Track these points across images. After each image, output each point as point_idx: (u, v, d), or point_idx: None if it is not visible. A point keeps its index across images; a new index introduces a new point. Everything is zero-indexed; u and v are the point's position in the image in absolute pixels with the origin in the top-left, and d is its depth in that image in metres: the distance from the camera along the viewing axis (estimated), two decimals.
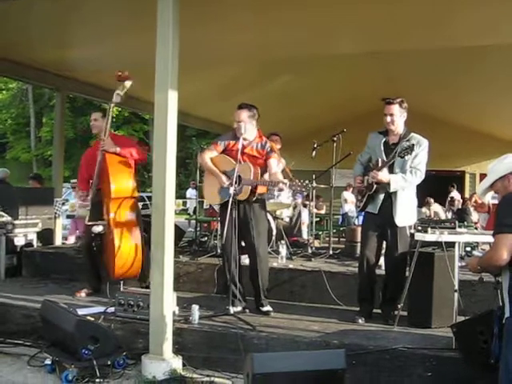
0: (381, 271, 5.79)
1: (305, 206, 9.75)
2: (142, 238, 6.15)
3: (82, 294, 6.42)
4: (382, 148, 5.56)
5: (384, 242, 5.61)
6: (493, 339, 3.64)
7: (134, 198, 6.20)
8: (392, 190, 5.37)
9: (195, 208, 10.89)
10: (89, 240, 6.43)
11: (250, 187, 5.70)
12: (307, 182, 5.52)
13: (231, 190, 5.52)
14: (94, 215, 6.31)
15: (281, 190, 5.77)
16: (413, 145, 5.24)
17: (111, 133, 6.45)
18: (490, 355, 3.72)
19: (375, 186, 5.47)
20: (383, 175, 5.37)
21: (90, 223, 6.24)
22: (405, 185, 5.41)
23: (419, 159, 5.41)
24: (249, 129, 5.82)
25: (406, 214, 5.48)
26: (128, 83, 6.12)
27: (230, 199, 5.49)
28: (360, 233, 5.88)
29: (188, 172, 31.46)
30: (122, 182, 6.12)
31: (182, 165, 31.96)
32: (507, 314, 3.40)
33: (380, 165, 5.41)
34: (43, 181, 13.39)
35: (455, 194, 16.10)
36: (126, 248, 6.06)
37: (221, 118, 12.70)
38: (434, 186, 15.39)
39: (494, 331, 3.65)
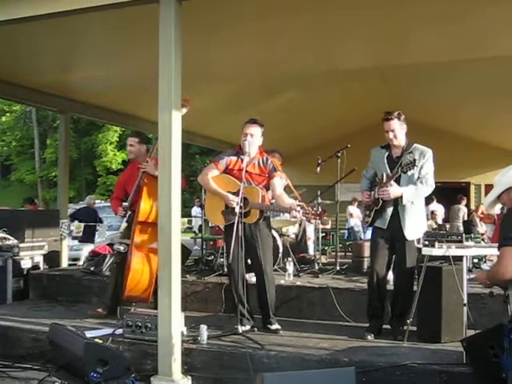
0: (389, 286, 5.76)
1: (309, 221, 9.73)
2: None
3: (99, 309, 6.40)
4: (386, 162, 5.56)
5: (393, 257, 5.59)
6: (504, 353, 3.61)
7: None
8: (405, 202, 5.36)
9: (200, 226, 10.87)
10: (114, 259, 6.46)
11: (258, 210, 5.68)
12: (320, 209, 5.48)
13: (237, 210, 5.48)
14: (126, 234, 6.36)
15: (294, 217, 5.70)
16: (414, 160, 5.22)
17: (156, 158, 6.26)
18: (501, 369, 3.69)
19: (381, 201, 5.46)
20: (394, 190, 5.34)
21: (115, 241, 6.28)
22: (417, 195, 5.40)
23: (426, 170, 5.42)
24: (254, 146, 5.80)
25: (415, 226, 5.47)
26: (183, 110, 5.87)
27: (236, 218, 5.45)
28: (370, 247, 5.85)
29: (192, 190, 31.44)
30: (150, 207, 6.08)
31: (186, 183, 32.00)
32: None
33: (385, 180, 5.40)
34: (36, 203, 13.51)
35: (435, 206, 15.85)
36: (139, 272, 6.03)
37: (225, 135, 12.73)
38: (440, 198, 15.48)
39: (504, 345, 3.62)
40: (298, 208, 5.52)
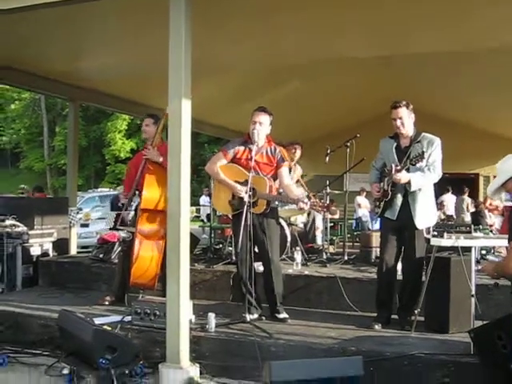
0: (397, 276, 5.75)
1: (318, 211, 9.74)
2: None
3: (106, 302, 6.42)
4: (395, 152, 5.56)
5: (402, 248, 5.58)
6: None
7: (163, 212, 5.79)
8: (413, 188, 5.35)
9: (209, 215, 10.88)
10: (121, 246, 6.49)
11: (265, 201, 5.68)
12: (328, 202, 5.48)
13: (246, 199, 5.49)
14: (133, 222, 6.39)
15: (301, 208, 5.69)
16: (423, 152, 5.23)
17: (162, 142, 6.35)
18: (509, 360, 3.69)
19: (390, 192, 5.46)
20: (403, 176, 5.34)
21: (120, 228, 6.32)
22: (424, 181, 5.40)
23: (433, 158, 5.41)
24: (263, 135, 5.78)
25: (425, 215, 5.47)
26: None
27: (245, 208, 5.45)
28: (379, 238, 5.86)
29: (201, 179, 31.48)
30: (154, 194, 6.08)
31: (195, 172, 32.05)
32: None
33: (394, 171, 5.39)
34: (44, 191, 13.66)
35: (447, 196, 15.96)
36: (144, 259, 6.06)
37: (233, 124, 12.70)
38: (450, 189, 15.52)
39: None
40: (306, 200, 5.52)
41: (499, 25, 6.22)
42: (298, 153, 8.39)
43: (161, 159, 6.07)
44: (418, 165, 5.30)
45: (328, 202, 5.89)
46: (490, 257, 7.47)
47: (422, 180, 5.37)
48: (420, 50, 7.53)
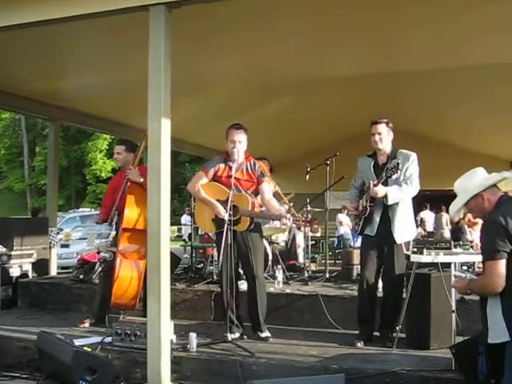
0: (378, 293, 5.76)
1: (299, 228, 9.75)
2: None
3: (86, 324, 6.33)
4: (373, 170, 5.61)
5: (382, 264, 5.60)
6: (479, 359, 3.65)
7: (144, 232, 5.66)
8: (390, 202, 5.39)
9: (190, 234, 10.86)
10: (101, 267, 6.44)
11: (248, 218, 5.68)
12: (310, 216, 5.49)
13: (226, 217, 5.48)
14: (114, 242, 6.35)
15: (284, 224, 5.70)
16: (398, 163, 5.28)
17: (142, 166, 6.36)
18: (490, 375, 3.70)
19: (369, 208, 5.50)
20: (380, 189, 5.37)
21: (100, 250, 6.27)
22: (402, 195, 5.43)
23: (410, 171, 5.47)
24: (242, 152, 5.79)
25: (404, 230, 5.50)
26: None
27: (225, 226, 5.44)
28: (359, 255, 5.88)
29: (182, 198, 31.40)
30: (135, 213, 6.08)
31: (176, 191, 31.97)
32: (506, 339, 3.39)
33: (371, 186, 5.43)
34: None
35: (425, 213, 16.17)
36: (125, 279, 6.01)
37: (214, 144, 12.71)
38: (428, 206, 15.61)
39: (480, 350, 3.65)
40: (288, 215, 5.54)
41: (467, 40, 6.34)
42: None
43: (141, 179, 6.07)
44: (394, 176, 5.34)
45: (310, 217, 5.88)
46: (456, 273, 7.49)
47: (400, 193, 5.41)
48: (404, 68, 7.62)
